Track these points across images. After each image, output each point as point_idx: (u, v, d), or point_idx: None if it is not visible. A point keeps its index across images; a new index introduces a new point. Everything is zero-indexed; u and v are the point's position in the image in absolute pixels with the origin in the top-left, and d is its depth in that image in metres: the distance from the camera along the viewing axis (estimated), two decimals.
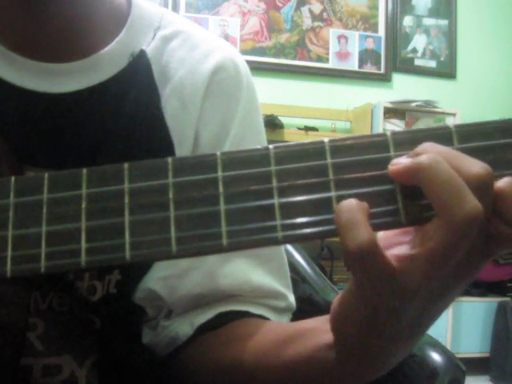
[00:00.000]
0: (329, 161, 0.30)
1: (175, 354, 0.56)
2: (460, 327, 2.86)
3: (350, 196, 0.30)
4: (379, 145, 0.31)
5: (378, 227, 0.30)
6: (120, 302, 0.55)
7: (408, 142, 0.31)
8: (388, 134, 0.31)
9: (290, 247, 0.81)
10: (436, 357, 0.61)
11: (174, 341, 0.56)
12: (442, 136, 0.30)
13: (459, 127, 0.31)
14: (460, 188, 0.29)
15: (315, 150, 0.31)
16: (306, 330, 0.42)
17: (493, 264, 2.94)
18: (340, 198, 0.30)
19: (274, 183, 0.30)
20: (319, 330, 0.40)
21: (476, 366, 2.74)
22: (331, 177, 0.30)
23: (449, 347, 2.64)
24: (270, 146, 0.31)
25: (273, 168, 0.31)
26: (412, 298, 0.31)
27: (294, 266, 0.78)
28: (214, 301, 0.56)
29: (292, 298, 0.60)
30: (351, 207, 0.29)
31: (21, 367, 0.49)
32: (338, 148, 0.31)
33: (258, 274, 0.57)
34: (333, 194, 0.30)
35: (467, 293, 2.93)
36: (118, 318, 0.56)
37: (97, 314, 0.54)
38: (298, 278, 0.77)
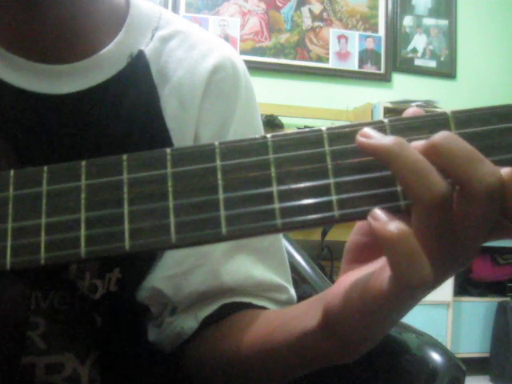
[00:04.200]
0: (327, 148, 0.31)
1: (181, 350, 0.57)
2: (460, 327, 2.86)
3: (348, 183, 0.30)
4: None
5: None
6: (121, 300, 0.55)
7: (406, 128, 0.31)
8: (386, 120, 0.31)
9: (290, 247, 0.81)
10: (436, 357, 0.61)
11: (180, 336, 0.56)
12: (440, 122, 0.30)
13: (456, 113, 0.31)
14: (427, 170, 0.29)
15: (313, 138, 0.31)
16: (293, 316, 0.43)
17: (493, 264, 2.94)
18: (338, 185, 0.30)
19: (273, 171, 0.30)
20: (305, 316, 0.40)
21: (476, 366, 2.74)
22: (329, 164, 0.30)
23: (449, 347, 2.64)
24: (268, 135, 0.31)
25: (271, 156, 0.31)
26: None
27: (294, 266, 0.78)
28: (218, 295, 0.57)
29: (293, 292, 0.61)
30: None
31: (24, 366, 0.49)
32: (336, 135, 0.31)
33: (259, 270, 0.58)
34: (331, 180, 0.30)
35: (467, 293, 2.93)
36: (119, 316, 0.56)
37: (98, 312, 0.54)
38: (298, 278, 0.77)
